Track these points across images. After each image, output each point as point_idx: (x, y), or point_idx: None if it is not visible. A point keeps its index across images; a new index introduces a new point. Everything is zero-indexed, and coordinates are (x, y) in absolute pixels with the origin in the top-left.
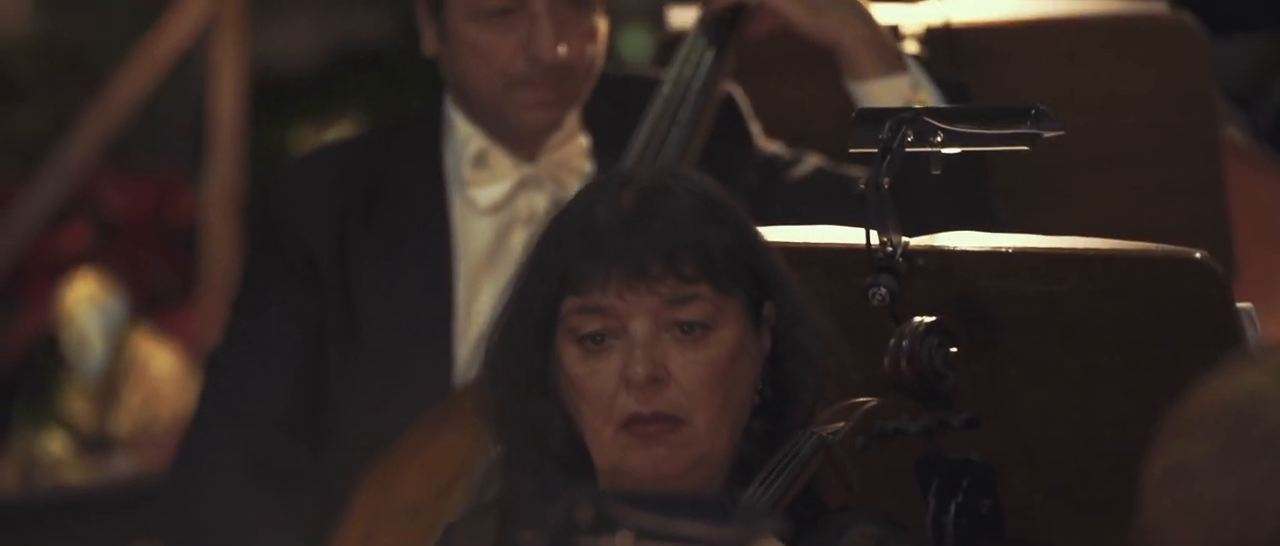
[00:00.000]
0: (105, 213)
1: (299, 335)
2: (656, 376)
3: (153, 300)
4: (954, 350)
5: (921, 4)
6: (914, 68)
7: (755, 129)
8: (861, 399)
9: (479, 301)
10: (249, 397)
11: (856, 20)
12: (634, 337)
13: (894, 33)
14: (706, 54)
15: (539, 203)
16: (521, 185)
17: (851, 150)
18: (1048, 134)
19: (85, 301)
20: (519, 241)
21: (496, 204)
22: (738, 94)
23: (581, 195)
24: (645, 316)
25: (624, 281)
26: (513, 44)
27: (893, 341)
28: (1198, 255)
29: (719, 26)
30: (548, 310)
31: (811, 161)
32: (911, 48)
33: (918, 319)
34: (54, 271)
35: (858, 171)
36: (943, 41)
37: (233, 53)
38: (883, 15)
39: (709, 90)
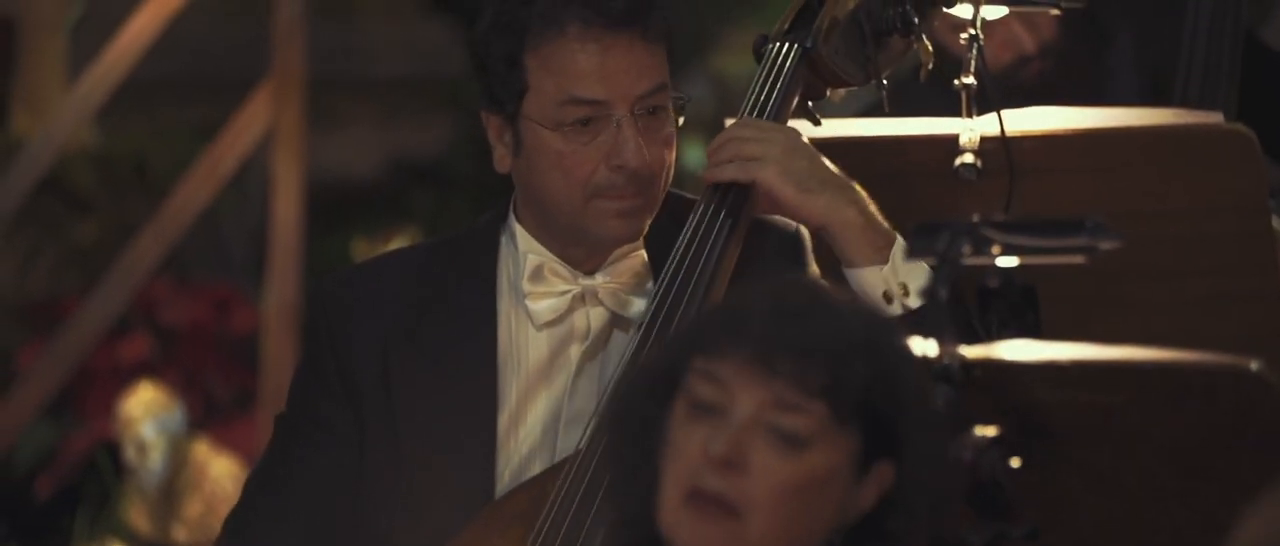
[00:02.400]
0: (165, 323)
1: (329, 463)
2: (733, 461)
3: (212, 410)
4: (1015, 463)
5: (979, 116)
6: (900, 252)
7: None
8: None
9: (531, 414)
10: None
11: (846, 205)
12: (732, 417)
13: (952, 144)
14: (717, 224)
15: (596, 318)
16: (579, 300)
17: (908, 260)
18: (1105, 245)
19: (145, 411)
20: (574, 356)
21: (553, 318)
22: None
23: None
24: (751, 403)
25: (747, 361)
26: (595, 154)
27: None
28: (1254, 366)
29: (726, 196)
30: (679, 363)
31: None
32: (968, 159)
33: (980, 431)
34: (114, 381)
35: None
36: (999, 153)
37: (292, 164)
38: (941, 127)
39: (719, 261)
